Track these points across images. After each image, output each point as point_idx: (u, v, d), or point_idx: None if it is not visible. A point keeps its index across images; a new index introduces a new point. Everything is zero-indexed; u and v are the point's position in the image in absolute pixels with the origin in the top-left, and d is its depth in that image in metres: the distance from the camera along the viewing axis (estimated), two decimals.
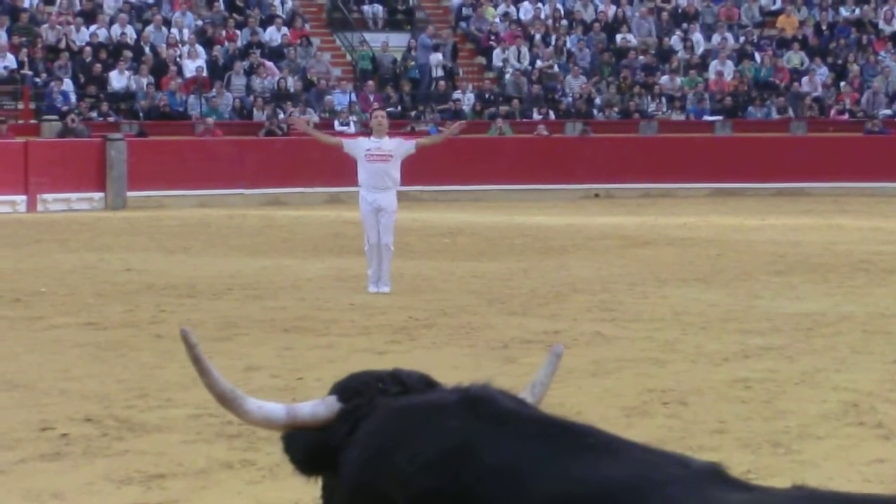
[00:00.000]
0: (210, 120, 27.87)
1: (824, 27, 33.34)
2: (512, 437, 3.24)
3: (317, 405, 3.66)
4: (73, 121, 26.77)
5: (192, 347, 3.67)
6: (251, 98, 29.02)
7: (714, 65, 31.86)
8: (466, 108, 29.99)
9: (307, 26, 31.78)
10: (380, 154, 14.62)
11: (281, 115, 27.89)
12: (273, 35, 30.99)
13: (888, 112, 31.15)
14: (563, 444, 3.21)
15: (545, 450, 3.20)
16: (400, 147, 14.91)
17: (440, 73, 30.93)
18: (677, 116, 30.74)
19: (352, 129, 27.37)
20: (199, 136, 27.61)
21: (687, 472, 3.10)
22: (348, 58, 31.86)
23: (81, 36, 29.55)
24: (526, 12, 32.91)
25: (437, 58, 31.08)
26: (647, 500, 3.01)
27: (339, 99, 29.51)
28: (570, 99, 30.79)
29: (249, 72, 29.65)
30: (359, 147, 14.87)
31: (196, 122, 28.07)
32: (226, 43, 30.48)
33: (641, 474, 3.07)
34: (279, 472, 7.46)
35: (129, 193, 26.09)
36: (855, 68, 31.85)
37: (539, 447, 3.21)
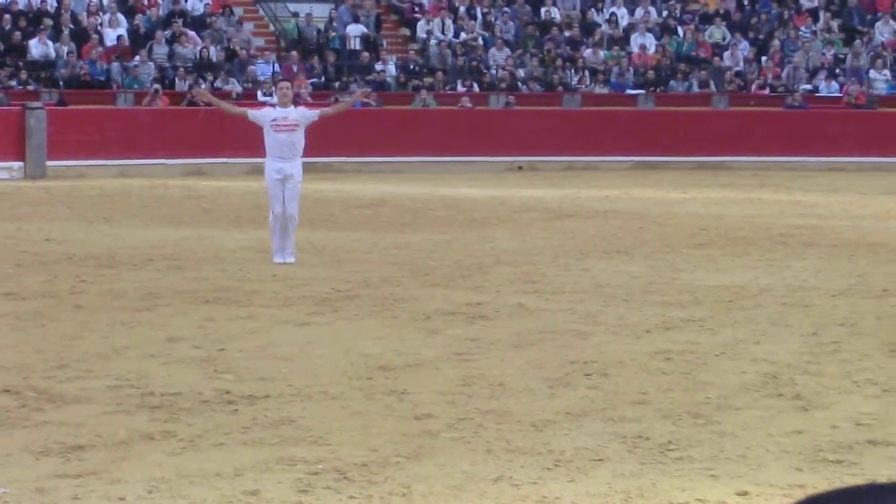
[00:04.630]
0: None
1: (746, 2, 33.56)
2: None
3: None
4: None
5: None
6: (173, 68, 28.76)
7: (637, 38, 31.98)
8: (390, 79, 29.92)
9: None
10: (285, 124, 14.92)
11: (203, 86, 27.65)
12: (195, 4, 30.70)
13: (808, 87, 31.44)
14: None
15: None
16: (304, 116, 15.20)
17: (358, 44, 30.81)
18: (600, 90, 30.84)
19: (275, 99, 27.17)
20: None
21: None
22: (271, 28, 31.65)
23: None
24: None
25: (357, 28, 30.94)
26: None
27: (262, 69, 29.33)
28: (494, 71, 30.80)
29: (171, 41, 29.37)
30: (264, 117, 15.19)
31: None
32: (147, 11, 30.17)
33: None
34: (200, 444, 7.42)
35: (49, 163, 25.77)
36: (776, 43, 32.10)
37: None
